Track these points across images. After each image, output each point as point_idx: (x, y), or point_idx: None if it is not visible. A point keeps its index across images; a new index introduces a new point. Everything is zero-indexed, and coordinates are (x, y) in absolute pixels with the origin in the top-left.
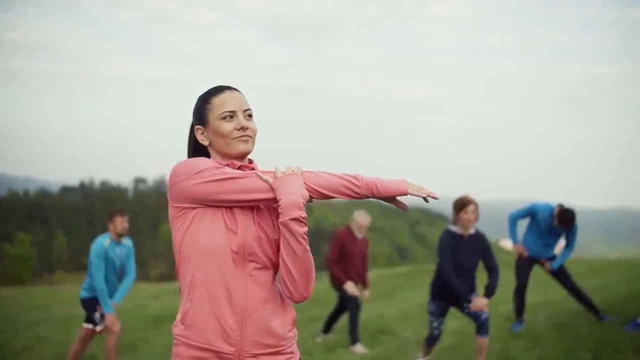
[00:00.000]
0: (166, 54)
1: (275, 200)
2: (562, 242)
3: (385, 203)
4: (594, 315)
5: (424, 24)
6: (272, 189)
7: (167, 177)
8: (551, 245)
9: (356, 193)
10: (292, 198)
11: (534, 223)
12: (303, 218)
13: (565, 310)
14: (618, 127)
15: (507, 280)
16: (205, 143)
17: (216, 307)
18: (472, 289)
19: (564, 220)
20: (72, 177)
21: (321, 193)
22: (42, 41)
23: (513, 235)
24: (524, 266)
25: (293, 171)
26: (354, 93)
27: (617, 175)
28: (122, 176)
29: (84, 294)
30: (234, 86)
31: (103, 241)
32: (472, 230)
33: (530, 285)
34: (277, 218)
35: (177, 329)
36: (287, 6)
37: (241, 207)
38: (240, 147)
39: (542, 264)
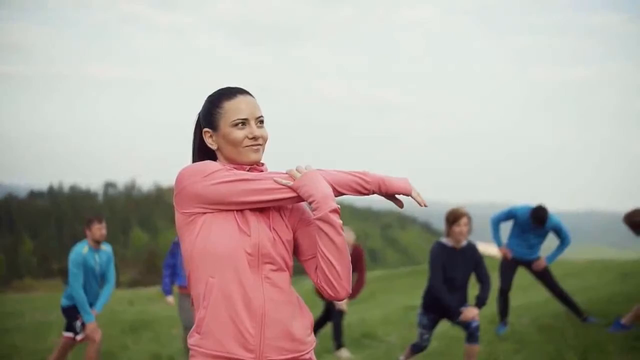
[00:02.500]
0: (138, 56)
1: (292, 200)
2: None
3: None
4: (577, 316)
5: (396, 28)
6: (290, 189)
7: (137, 180)
8: (535, 246)
9: (366, 189)
10: (325, 191)
11: (517, 225)
12: (339, 209)
13: (548, 313)
14: (587, 130)
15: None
16: (214, 147)
17: (233, 312)
18: (463, 302)
19: (536, 219)
20: (40, 181)
21: (335, 190)
22: (11, 42)
23: (497, 238)
24: (508, 268)
25: (305, 169)
26: (325, 96)
27: (583, 178)
28: (92, 180)
29: (64, 302)
30: (245, 89)
31: (81, 249)
32: (464, 242)
33: (512, 288)
34: (290, 219)
35: (193, 339)
36: (260, 10)
37: (252, 210)
38: (252, 157)
39: (529, 266)
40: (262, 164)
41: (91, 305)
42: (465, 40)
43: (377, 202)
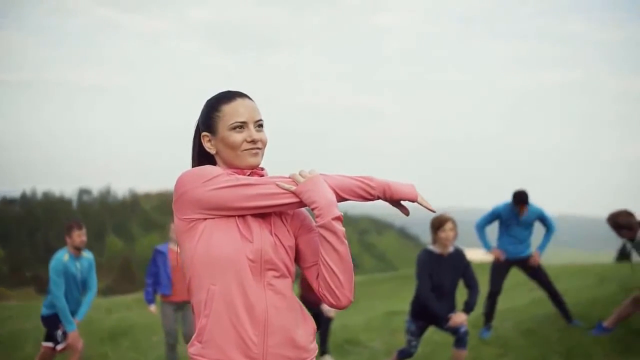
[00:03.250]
0: (112, 62)
1: (295, 205)
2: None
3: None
4: (565, 318)
5: (373, 34)
6: (292, 194)
7: (111, 188)
8: (525, 240)
9: (370, 195)
10: (329, 198)
11: (502, 223)
12: (342, 217)
13: (530, 316)
14: (562, 136)
15: None
16: (213, 151)
17: (235, 319)
18: (452, 308)
19: (519, 201)
20: (14, 188)
21: (338, 195)
22: None
23: (485, 242)
24: (500, 270)
25: (309, 174)
26: (305, 103)
27: (559, 182)
28: (65, 187)
29: (45, 311)
30: (245, 92)
31: (62, 256)
32: (451, 249)
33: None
34: (291, 225)
35: (194, 348)
36: (235, 16)
37: (254, 215)
38: (250, 161)
39: (523, 265)
40: (262, 169)
41: (72, 313)
42: (445, 45)
43: (353, 207)
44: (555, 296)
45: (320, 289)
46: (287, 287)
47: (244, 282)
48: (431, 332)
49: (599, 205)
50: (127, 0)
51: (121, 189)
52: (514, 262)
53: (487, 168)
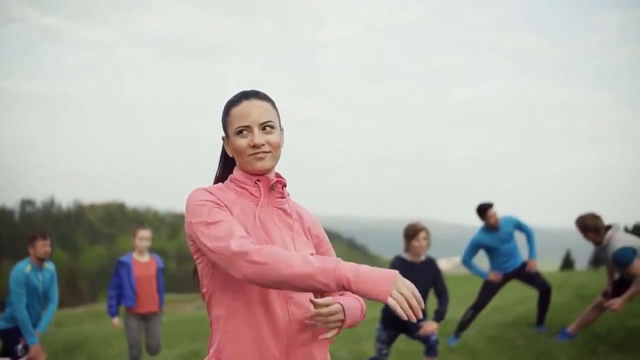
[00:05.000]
0: (58, 71)
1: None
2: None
3: None
4: (538, 321)
5: (320, 45)
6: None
7: (55, 198)
8: (514, 252)
9: (325, 287)
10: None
11: (490, 251)
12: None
13: (493, 323)
14: (505, 147)
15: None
16: (231, 155)
17: (257, 335)
18: (422, 316)
19: (483, 211)
20: None
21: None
22: None
23: (479, 272)
24: (492, 286)
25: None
26: None
27: (503, 192)
28: (8, 198)
29: (3, 324)
30: (257, 91)
31: (24, 267)
32: (423, 257)
33: (454, 300)
34: (311, 235)
35: None
36: (184, 25)
37: (277, 226)
38: (257, 166)
39: (520, 275)
40: (281, 177)
41: (33, 326)
42: (387, 57)
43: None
44: (546, 301)
45: None
46: (307, 301)
47: (266, 297)
48: (398, 341)
49: (542, 215)
50: (70, 9)
51: (66, 199)
52: (510, 275)
53: (432, 181)
